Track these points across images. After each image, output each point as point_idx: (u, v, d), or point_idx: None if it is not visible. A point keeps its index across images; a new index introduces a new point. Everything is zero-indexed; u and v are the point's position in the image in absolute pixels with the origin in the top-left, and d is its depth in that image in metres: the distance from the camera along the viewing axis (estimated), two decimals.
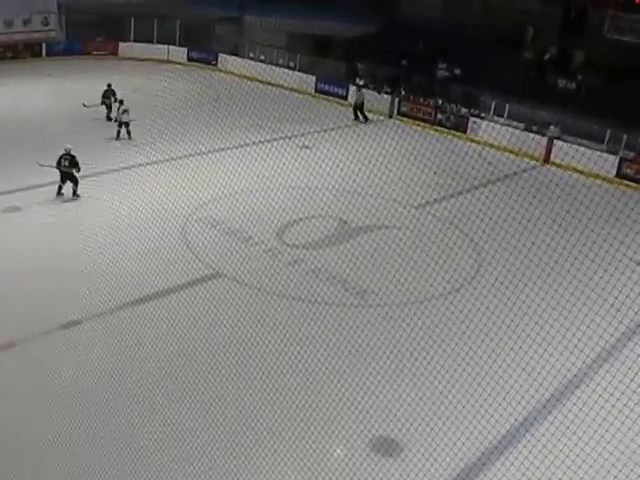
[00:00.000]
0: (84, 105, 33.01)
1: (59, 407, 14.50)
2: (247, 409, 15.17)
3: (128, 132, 32.39)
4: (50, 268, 20.33)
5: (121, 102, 32.79)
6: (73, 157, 25.43)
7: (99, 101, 34.15)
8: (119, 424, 14.20)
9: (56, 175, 25.43)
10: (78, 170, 25.49)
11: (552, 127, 34.13)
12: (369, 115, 38.60)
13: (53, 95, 36.71)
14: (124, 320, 17.95)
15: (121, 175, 26.28)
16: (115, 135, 32.36)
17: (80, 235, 20.68)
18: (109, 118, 34.20)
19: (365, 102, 38.83)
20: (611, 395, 14.24)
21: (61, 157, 25.44)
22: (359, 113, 38.66)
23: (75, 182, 25.60)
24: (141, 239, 21.47)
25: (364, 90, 39.71)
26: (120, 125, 32.43)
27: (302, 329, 17.83)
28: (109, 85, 34.58)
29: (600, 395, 14.63)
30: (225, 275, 20.95)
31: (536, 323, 17.93)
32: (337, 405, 15.30)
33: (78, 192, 25.60)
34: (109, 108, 34.46)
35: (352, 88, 41.14)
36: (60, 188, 25.67)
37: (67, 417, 14.13)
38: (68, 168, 25.41)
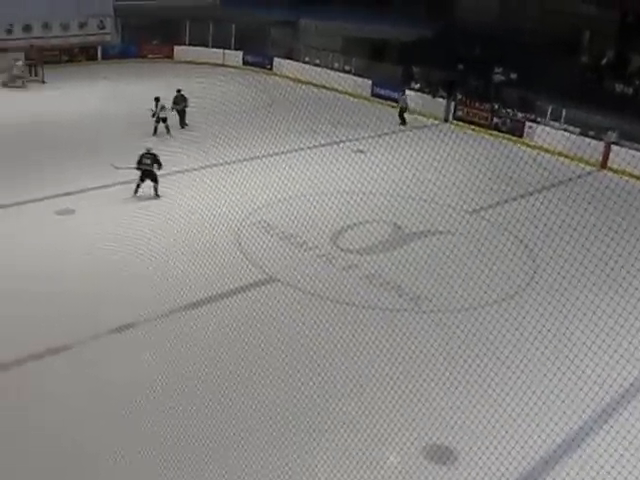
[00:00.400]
0: (152, 111, 33.17)
1: (113, 410, 14.72)
2: (300, 414, 15.16)
3: (167, 127, 33.20)
4: (104, 271, 20.52)
5: (157, 99, 33.21)
6: (154, 155, 25.88)
7: (169, 107, 34.06)
8: (175, 426, 14.23)
9: (110, 177, 25.77)
10: (160, 167, 25.91)
11: (610, 132, 33.77)
12: (413, 119, 38.65)
13: (109, 98, 36.91)
14: (178, 324, 18.10)
15: (175, 179, 26.53)
16: (153, 131, 33.04)
17: (134, 238, 20.92)
18: (182, 125, 34.42)
19: (407, 106, 39.04)
20: None
21: (142, 156, 25.86)
22: (402, 117, 38.82)
23: (156, 180, 25.97)
24: (195, 243, 21.73)
25: (406, 95, 39.84)
26: (158, 121, 33.12)
27: (355, 334, 17.86)
28: (179, 91, 34.48)
29: None
30: (279, 280, 21.00)
31: (591, 331, 17.73)
32: (390, 412, 15.20)
33: (159, 192, 26.05)
34: (181, 114, 34.53)
35: (409, 94, 41.15)
36: (138, 187, 26.00)
37: (121, 420, 14.32)
38: (150, 166, 25.78)
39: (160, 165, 25.88)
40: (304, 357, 17.00)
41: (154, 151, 26.03)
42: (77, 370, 16.26)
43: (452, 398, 15.70)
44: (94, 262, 20.92)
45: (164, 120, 33.20)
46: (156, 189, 26.00)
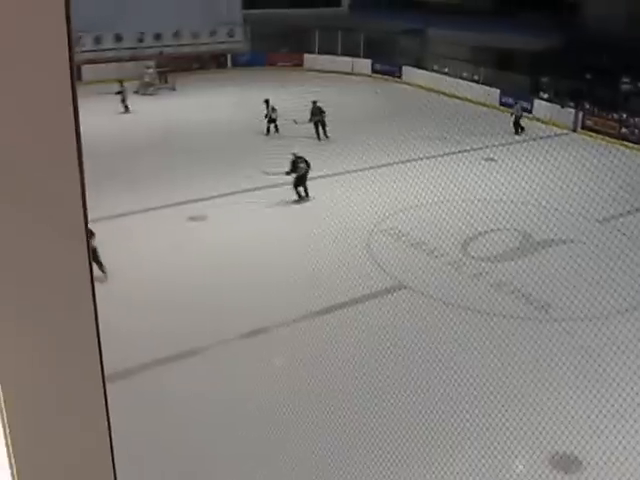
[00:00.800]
0: (294, 122, 33.63)
1: (245, 415, 15.26)
2: (432, 421, 15.33)
3: (276, 127, 34.74)
4: (237, 276, 21.21)
5: (267, 101, 34.74)
6: (305, 159, 26.63)
7: (307, 118, 34.60)
8: (306, 432, 14.55)
9: (242, 183, 26.63)
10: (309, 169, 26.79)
11: None
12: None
13: (238, 105, 37.61)
14: (308, 330, 18.51)
15: (308, 185, 27.03)
16: (265, 131, 34.47)
17: (268, 243, 21.51)
18: (319, 136, 34.89)
19: (521, 115, 38.85)
20: None
21: (296, 161, 26.55)
22: (516, 126, 38.63)
23: (306, 184, 26.77)
24: (328, 249, 22.13)
25: (519, 103, 39.68)
26: (270, 121, 34.57)
27: (484, 342, 18.05)
28: (314, 102, 34.73)
29: None
30: (409, 287, 21.28)
31: None
32: (520, 420, 15.34)
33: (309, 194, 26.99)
34: (319, 125, 34.91)
35: (537, 103, 41.07)
36: (299, 193, 26.85)
37: (256, 426, 14.85)
38: (306, 170, 26.62)
39: (309, 167, 26.77)
40: (432, 364, 17.14)
41: (300, 154, 26.81)
42: (208, 374, 16.85)
43: (582, 407, 15.65)
44: (226, 268, 21.65)
45: (274, 120, 34.50)
46: (307, 191, 26.70)
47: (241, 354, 17.70)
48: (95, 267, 20.68)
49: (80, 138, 1.91)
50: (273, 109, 34.74)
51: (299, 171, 26.55)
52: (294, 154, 26.73)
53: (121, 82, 39.11)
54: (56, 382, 2.06)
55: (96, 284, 2.01)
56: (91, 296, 2.04)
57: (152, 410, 15.48)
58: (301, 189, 26.82)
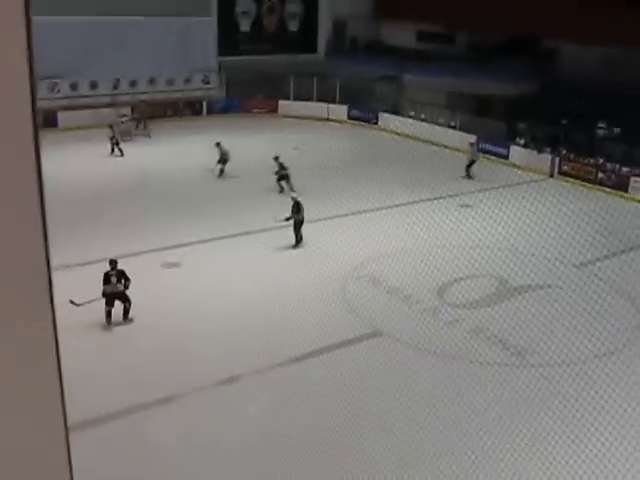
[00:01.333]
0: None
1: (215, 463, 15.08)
2: (406, 468, 15.30)
3: (221, 170, 35.29)
4: (208, 323, 21.12)
5: (218, 144, 35.37)
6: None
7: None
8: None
9: (216, 230, 26.80)
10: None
11: None
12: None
13: (214, 153, 37.67)
14: (282, 377, 18.45)
15: (281, 233, 27.03)
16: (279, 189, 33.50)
17: (239, 289, 21.46)
18: (282, 190, 34.07)
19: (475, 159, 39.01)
20: None
21: (298, 206, 26.69)
22: (469, 169, 38.70)
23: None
24: (302, 296, 22.13)
25: (475, 145, 40.07)
26: (221, 163, 35.15)
27: (461, 389, 18.06)
28: (276, 158, 33.65)
29: None
30: (385, 333, 21.18)
31: None
32: (497, 466, 15.28)
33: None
34: (283, 180, 33.91)
35: (514, 149, 41.48)
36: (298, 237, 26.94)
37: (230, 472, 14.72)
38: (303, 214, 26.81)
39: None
40: (409, 411, 17.07)
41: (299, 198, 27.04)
42: (178, 424, 16.61)
43: (560, 452, 15.54)
44: (197, 315, 21.55)
45: (225, 162, 35.05)
46: (301, 237, 26.98)
47: (216, 401, 17.55)
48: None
49: (42, 183, 1.89)
50: (224, 152, 34.97)
51: (299, 216, 26.66)
52: (294, 198, 26.87)
53: (111, 126, 39.45)
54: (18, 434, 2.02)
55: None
56: (54, 347, 2.01)
57: (127, 457, 15.30)
58: (300, 233, 26.91)
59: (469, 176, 38.38)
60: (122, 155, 38.85)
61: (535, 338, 20.77)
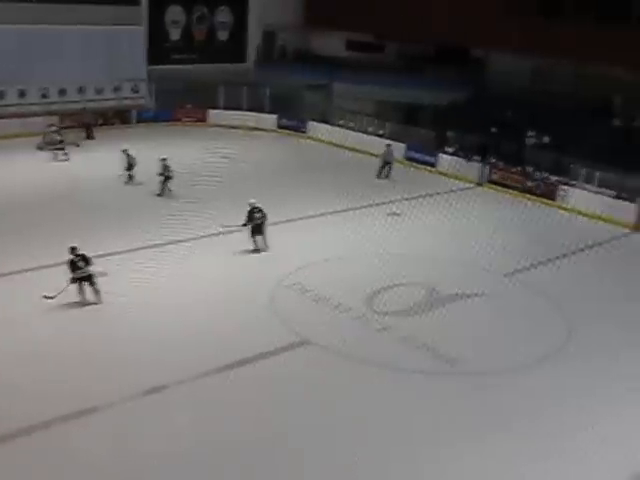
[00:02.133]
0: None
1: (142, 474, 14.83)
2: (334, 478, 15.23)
3: (130, 176, 35.10)
4: (136, 334, 20.66)
5: (125, 151, 35.34)
6: (261, 209, 26.68)
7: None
8: None
9: (140, 240, 26.30)
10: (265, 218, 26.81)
11: None
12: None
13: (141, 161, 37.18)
14: (211, 386, 18.23)
15: (208, 241, 26.76)
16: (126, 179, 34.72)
17: (167, 300, 21.16)
18: (163, 192, 34.29)
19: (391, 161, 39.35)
20: None
21: (252, 211, 26.53)
22: (384, 170, 39.02)
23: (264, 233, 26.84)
24: (230, 306, 21.90)
25: (391, 147, 40.09)
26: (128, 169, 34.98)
27: (391, 397, 18.03)
28: (163, 160, 34.11)
29: None
30: (313, 342, 20.94)
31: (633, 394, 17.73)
32: (426, 475, 15.28)
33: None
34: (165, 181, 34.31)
35: (442, 157, 41.65)
36: (256, 243, 26.73)
37: None
38: (262, 219, 26.63)
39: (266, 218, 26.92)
40: (338, 420, 17.06)
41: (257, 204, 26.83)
42: (105, 433, 16.28)
43: (493, 461, 15.63)
44: (124, 325, 21.11)
45: (131, 168, 35.06)
46: (265, 241, 26.85)
47: (142, 411, 17.18)
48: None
49: None
50: (131, 158, 34.96)
51: (255, 221, 26.36)
52: (251, 204, 26.59)
53: (58, 132, 39.69)
54: None
55: None
56: None
57: (52, 469, 14.94)
58: (259, 238, 26.60)
59: (381, 176, 38.73)
60: (68, 159, 39.00)
61: (465, 347, 20.78)
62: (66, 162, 38.53)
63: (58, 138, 40.48)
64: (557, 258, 27.95)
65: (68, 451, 15.59)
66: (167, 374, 18.34)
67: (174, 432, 16.20)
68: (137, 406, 17.38)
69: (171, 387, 18.02)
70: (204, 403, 17.34)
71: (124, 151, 35.13)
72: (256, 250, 26.56)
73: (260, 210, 26.57)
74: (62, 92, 47.17)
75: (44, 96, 46.42)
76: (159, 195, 33.18)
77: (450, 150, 42.12)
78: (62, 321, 21.13)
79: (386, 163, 39.12)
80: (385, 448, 16.00)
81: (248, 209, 26.56)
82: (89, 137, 43.87)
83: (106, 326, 21.06)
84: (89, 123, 44.73)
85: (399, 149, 42.36)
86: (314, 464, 15.52)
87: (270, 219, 27.09)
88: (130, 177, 34.91)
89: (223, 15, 55.04)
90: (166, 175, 33.40)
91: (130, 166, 34.89)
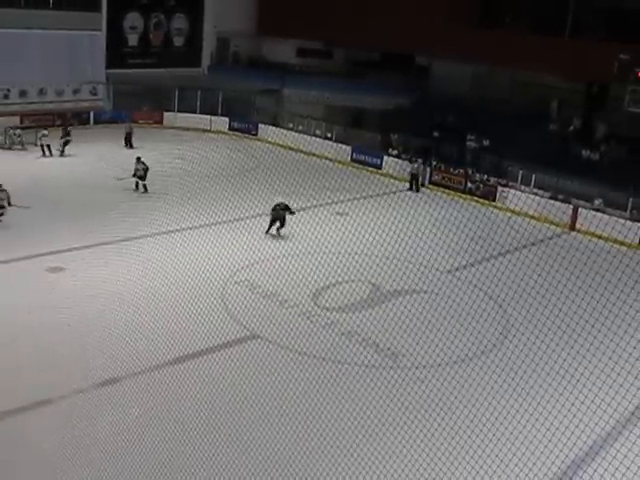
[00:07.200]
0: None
1: (94, 466, 15.03)
2: (280, 467, 15.68)
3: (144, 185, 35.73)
4: (89, 326, 20.72)
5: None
6: (286, 205, 30.46)
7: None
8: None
9: (98, 237, 26.74)
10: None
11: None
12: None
13: (100, 161, 37.64)
14: (161, 379, 18.58)
15: (161, 239, 27.10)
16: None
17: (120, 295, 21.59)
18: (137, 188, 36.03)
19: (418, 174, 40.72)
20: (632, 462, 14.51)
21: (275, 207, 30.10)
22: (414, 183, 40.45)
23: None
24: (181, 301, 22.37)
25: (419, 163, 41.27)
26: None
27: (335, 390, 18.58)
28: (138, 159, 36.28)
29: (622, 462, 14.53)
30: (261, 337, 21.73)
31: (560, 385, 18.32)
32: (371, 466, 15.64)
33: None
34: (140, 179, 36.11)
35: (387, 159, 42.77)
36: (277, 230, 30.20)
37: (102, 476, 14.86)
38: (283, 215, 30.43)
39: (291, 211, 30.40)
40: (285, 411, 17.59)
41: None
42: (59, 424, 16.44)
43: (428, 453, 15.64)
44: (79, 318, 21.16)
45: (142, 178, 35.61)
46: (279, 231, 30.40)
47: (95, 404, 17.38)
48: None
49: None
50: (144, 165, 35.59)
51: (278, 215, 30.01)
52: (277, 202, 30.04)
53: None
54: None
55: None
56: None
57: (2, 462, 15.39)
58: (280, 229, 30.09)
59: (412, 188, 40.36)
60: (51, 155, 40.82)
61: (407, 341, 21.33)
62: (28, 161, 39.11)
63: (19, 138, 41.17)
64: (496, 256, 28.78)
65: (20, 443, 16.00)
66: (119, 367, 18.50)
67: (126, 424, 16.48)
68: (89, 398, 17.63)
69: (123, 380, 18.44)
70: (155, 397, 17.65)
71: (138, 159, 35.84)
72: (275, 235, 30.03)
73: (286, 207, 30.36)
74: (23, 93, 47.81)
75: (6, 97, 47.09)
76: (145, 192, 35.17)
77: (394, 152, 43.20)
78: (17, 314, 21.64)
79: (414, 176, 40.58)
80: (333, 440, 16.42)
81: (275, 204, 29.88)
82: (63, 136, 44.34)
83: (58, 316, 21.22)
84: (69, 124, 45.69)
85: (345, 151, 43.33)
86: (262, 456, 16.03)
87: (220, 217, 27.69)
88: (145, 187, 35.61)
89: (179, 22, 56.42)
90: (139, 174, 34.62)
91: (144, 173, 35.67)
